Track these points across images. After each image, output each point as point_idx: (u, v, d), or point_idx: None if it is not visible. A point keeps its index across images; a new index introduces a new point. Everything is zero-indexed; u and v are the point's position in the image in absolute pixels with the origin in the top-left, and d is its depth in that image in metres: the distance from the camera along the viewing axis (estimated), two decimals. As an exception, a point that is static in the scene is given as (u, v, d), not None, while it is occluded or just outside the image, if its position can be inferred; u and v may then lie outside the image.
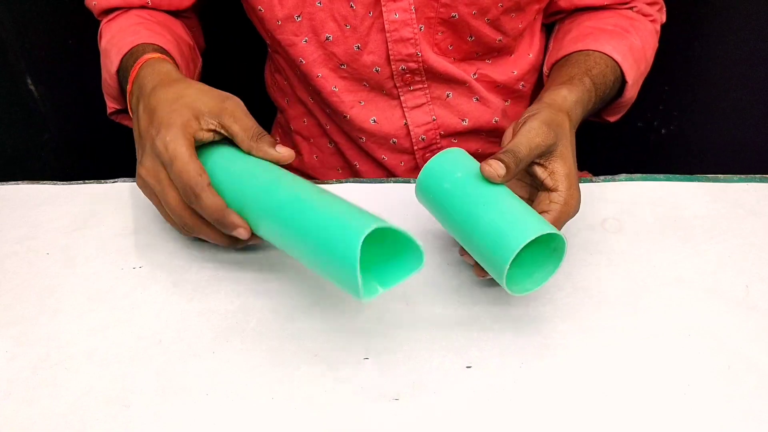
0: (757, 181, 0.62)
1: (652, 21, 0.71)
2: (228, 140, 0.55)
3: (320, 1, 0.66)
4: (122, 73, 0.63)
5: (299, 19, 0.67)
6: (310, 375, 0.48)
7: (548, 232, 0.46)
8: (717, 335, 0.50)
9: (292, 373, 0.48)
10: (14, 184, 0.65)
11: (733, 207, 0.60)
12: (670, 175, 0.63)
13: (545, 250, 0.49)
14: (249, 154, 0.53)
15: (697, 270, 0.55)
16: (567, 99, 0.56)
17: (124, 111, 0.71)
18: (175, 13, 0.73)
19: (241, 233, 0.51)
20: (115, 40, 0.65)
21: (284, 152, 0.53)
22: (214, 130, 0.53)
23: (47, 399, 0.47)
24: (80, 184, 0.65)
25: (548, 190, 0.51)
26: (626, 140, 0.94)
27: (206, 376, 0.48)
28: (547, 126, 0.51)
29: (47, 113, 1.00)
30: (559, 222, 0.51)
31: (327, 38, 0.68)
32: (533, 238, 0.45)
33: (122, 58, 0.62)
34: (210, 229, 0.53)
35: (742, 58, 0.88)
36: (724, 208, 0.60)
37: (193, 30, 0.76)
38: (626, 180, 0.63)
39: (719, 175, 0.63)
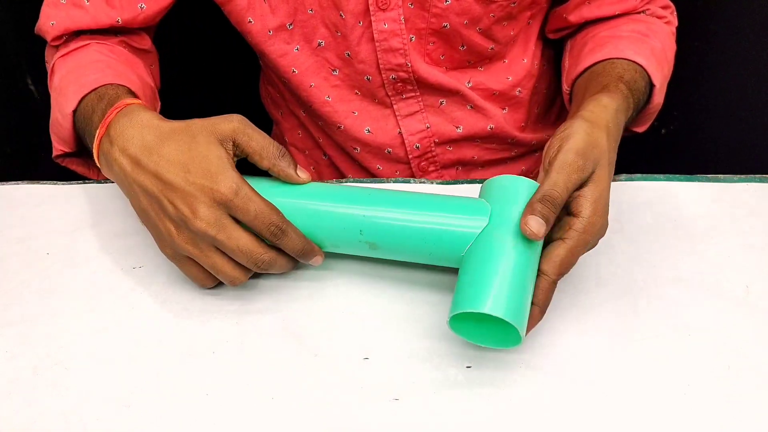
0: (757, 181, 0.62)
1: (667, 23, 0.69)
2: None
3: (311, 8, 0.65)
4: (81, 114, 0.57)
5: (291, 27, 0.67)
6: (310, 375, 0.48)
7: (501, 317, 0.43)
8: (717, 335, 0.50)
9: (292, 373, 0.48)
10: (14, 184, 0.65)
11: (733, 207, 0.60)
12: (670, 175, 0.63)
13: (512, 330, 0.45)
14: (269, 170, 0.51)
15: (697, 270, 0.55)
16: (608, 107, 0.53)
17: (71, 155, 0.64)
18: (140, 40, 0.68)
19: (319, 260, 0.52)
20: (73, 76, 0.59)
21: (303, 176, 0.51)
22: (235, 154, 0.51)
23: (47, 399, 0.47)
24: (80, 184, 0.65)
25: (571, 214, 0.48)
26: (626, 140, 0.94)
27: (206, 376, 0.48)
28: (583, 157, 0.47)
29: (47, 113, 1.00)
30: (574, 252, 0.47)
31: (319, 44, 0.68)
32: (480, 311, 0.43)
33: (83, 97, 0.56)
34: (285, 259, 0.51)
35: (742, 58, 0.88)
36: (724, 208, 0.60)
37: (151, 67, 0.70)
38: (626, 180, 0.63)
39: (719, 175, 0.63)
